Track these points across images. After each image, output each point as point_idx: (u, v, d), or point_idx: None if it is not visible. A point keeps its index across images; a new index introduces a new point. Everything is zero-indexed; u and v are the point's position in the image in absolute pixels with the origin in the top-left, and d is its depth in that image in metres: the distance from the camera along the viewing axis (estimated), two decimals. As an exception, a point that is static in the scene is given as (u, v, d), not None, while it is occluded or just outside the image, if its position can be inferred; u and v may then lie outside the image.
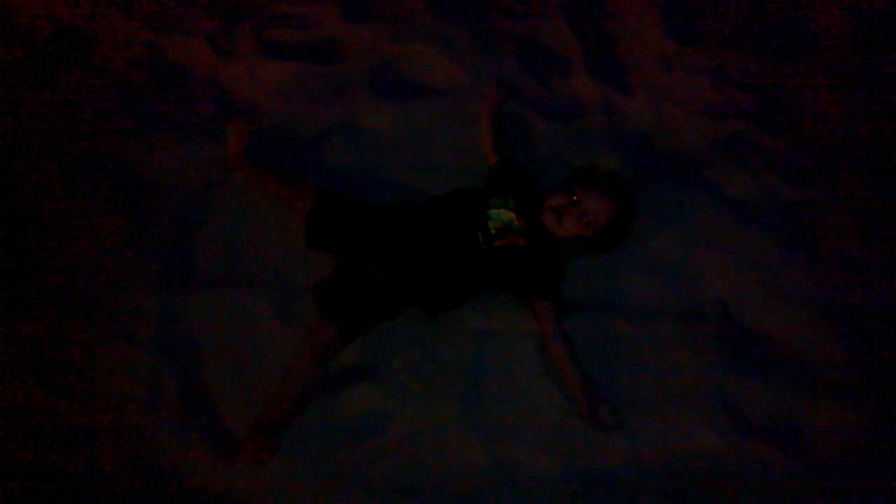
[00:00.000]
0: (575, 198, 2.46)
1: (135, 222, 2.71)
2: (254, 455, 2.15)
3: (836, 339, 2.55)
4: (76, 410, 2.40)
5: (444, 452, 2.36)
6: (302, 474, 2.33)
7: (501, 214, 2.51)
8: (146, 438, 2.36)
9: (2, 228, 2.67)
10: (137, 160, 2.84)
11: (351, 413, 2.41)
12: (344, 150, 2.92)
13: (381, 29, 3.14)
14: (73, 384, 2.43)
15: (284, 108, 2.99)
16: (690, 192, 2.83)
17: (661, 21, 3.19)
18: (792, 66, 3.13)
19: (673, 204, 2.80)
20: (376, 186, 2.84)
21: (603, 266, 2.68)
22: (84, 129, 2.89)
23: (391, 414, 2.41)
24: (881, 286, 2.67)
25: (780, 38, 3.20)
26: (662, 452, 2.37)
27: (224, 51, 3.08)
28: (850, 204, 2.83)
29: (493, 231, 2.48)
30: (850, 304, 2.64)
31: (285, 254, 2.66)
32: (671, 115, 3.01)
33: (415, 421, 2.40)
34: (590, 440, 2.38)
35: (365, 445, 2.37)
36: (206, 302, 2.57)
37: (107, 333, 2.51)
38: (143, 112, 2.95)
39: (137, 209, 2.73)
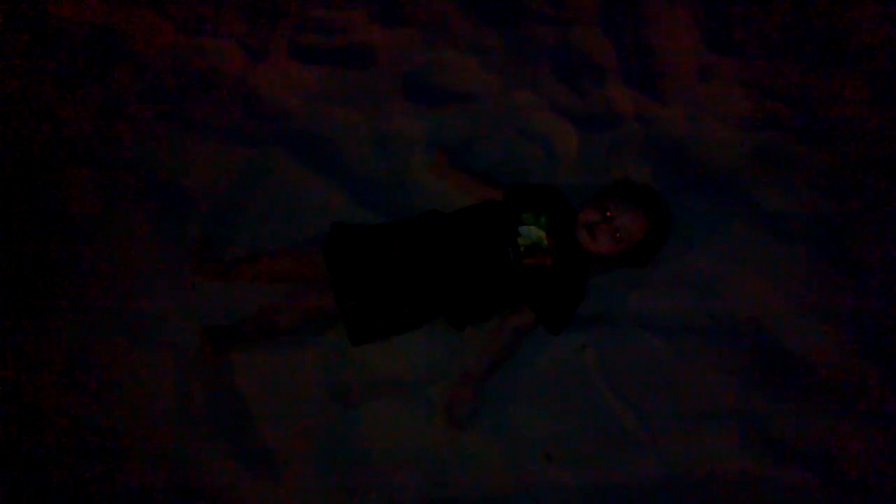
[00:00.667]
0: (608, 214, 2.42)
1: (166, 227, 2.72)
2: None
3: (874, 363, 2.49)
4: (102, 413, 2.43)
5: (467, 466, 2.35)
6: (325, 487, 2.33)
7: (531, 231, 2.48)
8: (172, 446, 2.38)
9: (36, 230, 2.70)
10: (169, 164, 2.85)
11: (375, 426, 2.41)
12: (375, 157, 2.90)
13: (414, 34, 3.11)
14: (100, 387, 2.46)
15: (316, 112, 2.98)
16: (724, 206, 2.78)
17: (699, 30, 3.12)
18: (831, 77, 3.05)
19: (706, 217, 2.75)
20: (405, 196, 2.82)
21: (633, 280, 2.64)
22: (117, 132, 2.90)
23: (414, 426, 2.40)
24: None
25: (819, 48, 3.12)
26: (691, 472, 2.33)
27: (256, 54, 3.07)
28: (890, 222, 2.75)
29: (521, 248, 2.46)
30: (888, 328, 2.56)
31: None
32: (706, 125, 2.95)
33: (438, 434, 2.39)
34: (618, 457, 2.35)
35: (387, 458, 2.36)
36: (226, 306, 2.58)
37: (134, 337, 2.53)
38: (176, 115, 2.95)
39: (168, 214, 2.75)
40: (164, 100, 2.98)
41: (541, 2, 3.22)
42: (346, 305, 2.41)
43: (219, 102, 2.99)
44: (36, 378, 2.46)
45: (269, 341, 2.49)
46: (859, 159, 2.88)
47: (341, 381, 2.47)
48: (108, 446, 2.38)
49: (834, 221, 2.75)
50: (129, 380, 2.47)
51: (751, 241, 2.70)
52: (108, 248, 2.68)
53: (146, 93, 2.98)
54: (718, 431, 2.37)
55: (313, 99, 3.01)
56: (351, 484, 2.33)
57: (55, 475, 2.33)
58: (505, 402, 2.44)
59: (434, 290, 2.44)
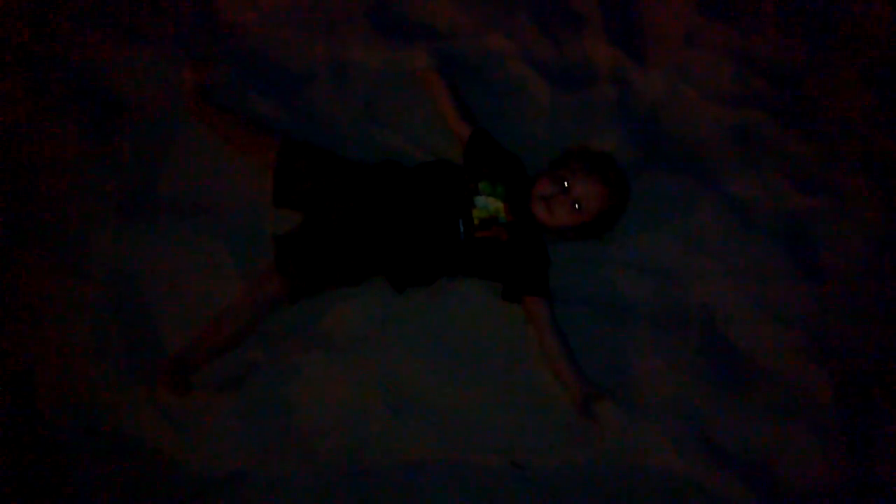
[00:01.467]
0: (565, 184, 2.28)
1: (95, 141, 2.52)
2: (166, 394, 2.16)
3: (824, 372, 2.38)
4: (16, 344, 2.26)
5: (392, 437, 2.24)
6: (243, 437, 2.19)
7: (489, 203, 2.33)
8: (87, 384, 2.23)
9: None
10: (106, 73, 2.65)
11: (303, 382, 2.26)
12: (329, 89, 2.70)
13: (385, -43, 2.87)
14: (15, 314, 2.29)
15: (272, 35, 2.77)
16: (690, 186, 2.63)
17: (693, -11, 2.92)
18: (824, 57, 2.88)
19: (672, 197, 2.60)
20: (356, 135, 2.64)
21: (586, 256, 2.50)
22: (53, 32, 2.66)
23: (344, 390, 2.27)
24: (881, 323, 2.48)
25: (817, 26, 2.94)
26: (618, 466, 2.24)
27: (212, -42, 2.81)
28: (860, 223, 2.62)
29: (476, 221, 2.31)
30: (844, 336, 2.45)
31: (255, 195, 2.46)
32: (685, 96, 2.78)
33: (370, 399, 2.27)
34: (548, 439, 2.25)
35: (312, 419, 2.25)
36: (162, 241, 2.40)
37: (54, 262, 2.35)
38: (120, 22, 2.71)
39: (99, 127, 2.54)
40: (111, 3, 2.74)
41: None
42: (288, 268, 2.25)
43: (169, 12, 2.76)
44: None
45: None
46: (837, 153, 2.74)
47: (272, 331, 2.33)
48: (19, 374, 2.23)
49: (801, 217, 2.63)
50: (46, 310, 2.30)
51: (714, 228, 2.56)
52: (33, 158, 2.47)
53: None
54: (654, 425, 2.27)
55: (268, 16, 2.79)
56: (270, 436, 2.22)
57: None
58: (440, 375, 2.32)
59: (379, 249, 2.30)
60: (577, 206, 2.28)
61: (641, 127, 2.74)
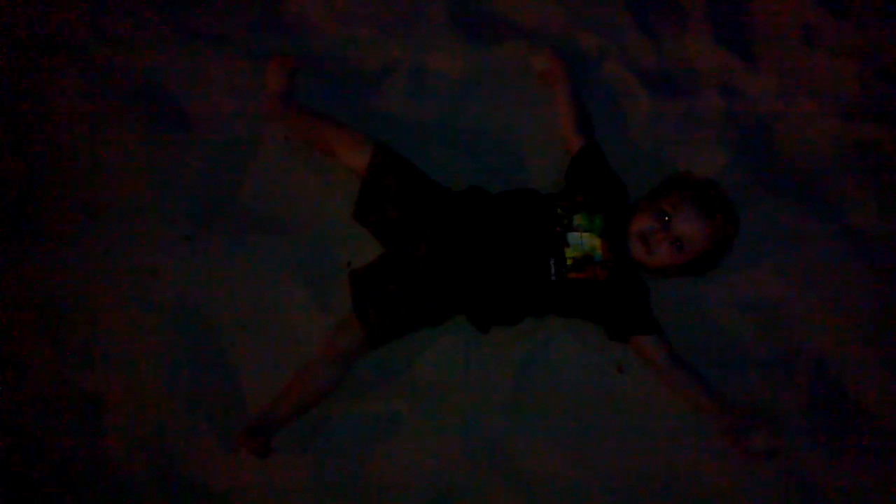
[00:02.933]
0: (666, 219, 2.07)
1: (161, 157, 2.37)
2: (247, 456, 2.04)
3: None
4: (82, 375, 2.18)
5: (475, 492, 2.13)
6: (308, 478, 2.11)
7: (584, 240, 2.12)
8: (154, 419, 2.14)
9: (11, 149, 2.35)
10: (171, 79, 2.47)
11: (384, 432, 2.16)
12: (404, 94, 2.50)
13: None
14: (82, 344, 2.19)
15: (342, 32, 2.57)
16: (802, 213, 2.40)
17: (811, -22, 2.60)
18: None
19: (782, 225, 2.37)
20: (429, 148, 2.43)
21: (683, 294, 2.30)
22: (112, 35, 2.50)
23: (427, 441, 2.15)
24: None
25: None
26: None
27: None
28: None
29: (569, 261, 2.10)
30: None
31: (332, 213, 2.33)
32: (801, 106, 2.50)
33: (451, 450, 2.14)
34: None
35: (393, 469, 2.14)
36: (234, 269, 2.27)
37: (119, 291, 2.24)
38: (182, 20, 2.53)
39: (165, 141, 2.39)
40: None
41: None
42: (369, 317, 2.09)
43: (232, 7, 2.55)
44: (12, 325, 2.20)
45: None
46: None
47: (351, 379, 2.18)
48: (90, 414, 2.15)
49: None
50: (113, 340, 2.20)
51: (827, 263, 2.34)
52: (96, 177, 2.35)
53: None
54: (757, 488, 2.13)
55: (342, 15, 2.57)
56: (333, 477, 2.11)
57: (33, 437, 2.12)
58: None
59: (464, 289, 2.13)
60: (679, 244, 2.08)
61: (751, 143, 2.49)
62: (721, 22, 2.61)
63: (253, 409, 2.17)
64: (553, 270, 2.11)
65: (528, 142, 2.47)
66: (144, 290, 2.24)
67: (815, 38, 2.60)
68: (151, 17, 2.53)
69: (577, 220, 2.14)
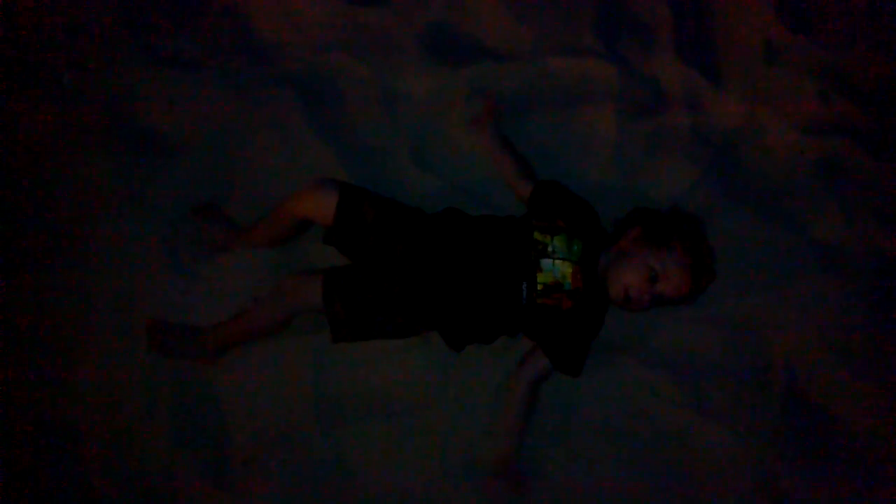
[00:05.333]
0: (654, 273, 2.10)
1: (139, 184, 2.38)
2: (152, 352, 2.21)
3: None
4: (64, 404, 2.18)
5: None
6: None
7: (556, 267, 2.14)
8: (135, 447, 2.15)
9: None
10: (145, 106, 2.47)
11: (361, 450, 2.18)
12: (380, 120, 2.52)
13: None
14: (60, 372, 2.20)
15: (314, 56, 2.58)
16: (770, 228, 2.44)
17: (774, -1, 2.66)
18: (919, 75, 2.64)
19: (749, 238, 2.42)
20: (401, 170, 2.46)
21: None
22: (84, 62, 2.49)
23: (405, 459, 2.18)
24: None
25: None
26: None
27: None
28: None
29: (539, 286, 2.13)
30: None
31: (313, 237, 2.33)
32: (766, 122, 2.56)
33: (429, 467, 2.18)
34: None
35: (371, 486, 2.16)
36: (215, 291, 2.29)
37: (99, 318, 2.24)
38: (155, 44, 2.54)
39: (142, 167, 2.40)
40: (142, 24, 2.56)
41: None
42: (335, 307, 2.12)
43: (205, 34, 2.58)
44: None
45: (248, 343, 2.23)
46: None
47: (328, 393, 2.23)
48: (69, 443, 2.15)
49: (889, 261, 2.43)
50: (93, 368, 2.20)
51: (795, 275, 2.39)
52: (72, 205, 2.34)
53: (121, 15, 2.56)
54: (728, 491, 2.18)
55: (314, 40, 2.59)
56: None
57: (12, 467, 2.12)
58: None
59: (436, 306, 2.15)
60: (660, 297, 2.13)
61: (717, 159, 2.53)
62: (686, 39, 2.66)
63: (237, 436, 2.18)
64: (524, 294, 2.14)
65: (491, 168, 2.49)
66: (123, 315, 2.25)
67: (778, 56, 2.65)
68: (124, 44, 2.53)
69: (558, 242, 2.16)
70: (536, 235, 2.17)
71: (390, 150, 2.49)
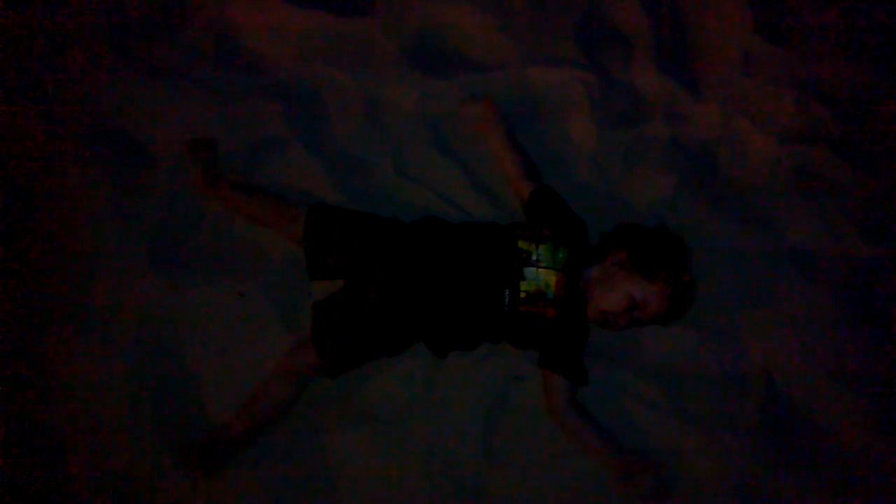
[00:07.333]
0: (634, 303, 2.12)
1: (122, 192, 2.38)
2: (193, 472, 2.12)
3: (889, 441, 2.24)
4: (46, 411, 2.16)
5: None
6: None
7: (539, 275, 2.15)
8: (120, 453, 2.13)
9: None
10: (129, 115, 2.48)
11: (345, 458, 2.17)
12: (363, 130, 2.54)
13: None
14: (42, 382, 2.18)
15: (298, 67, 2.60)
16: (747, 235, 2.48)
17: (750, 9, 2.70)
18: (892, 85, 2.68)
19: (726, 245, 2.46)
20: (384, 179, 2.48)
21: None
22: (69, 70, 2.50)
23: (389, 467, 2.17)
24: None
25: (884, 50, 2.72)
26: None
27: (236, -11, 2.63)
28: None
29: (522, 294, 2.14)
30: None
31: (299, 248, 2.31)
32: (743, 130, 2.61)
33: (413, 475, 2.17)
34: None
35: (354, 496, 2.15)
36: (199, 298, 2.28)
37: (81, 326, 2.23)
38: (138, 54, 2.55)
39: (125, 176, 2.40)
40: (126, 36, 2.57)
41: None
42: (325, 345, 2.13)
43: (189, 44, 2.59)
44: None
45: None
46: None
47: (311, 404, 2.22)
48: (52, 450, 2.14)
49: (868, 267, 2.47)
50: (75, 375, 2.19)
51: (772, 280, 2.43)
52: (56, 213, 2.34)
53: (105, 24, 2.57)
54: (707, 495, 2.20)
55: (299, 51, 2.62)
56: None
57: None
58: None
59: (421, 317, 2.17)
60: (637, 321, 2.16)
61: (695, 168, 2.58)
62: (664, 49, 2.70)
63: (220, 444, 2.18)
64: (507, 301, 2.15)
65: (483, 172, 2.52)
66: (105, 325, 2.24)
67: (753, 64, 2.70)
68: (109, 55, 2.54)
69: (542, 250, 2.17)
70: (521, 244, 2.18)
71: (374, 160, 2.50)
